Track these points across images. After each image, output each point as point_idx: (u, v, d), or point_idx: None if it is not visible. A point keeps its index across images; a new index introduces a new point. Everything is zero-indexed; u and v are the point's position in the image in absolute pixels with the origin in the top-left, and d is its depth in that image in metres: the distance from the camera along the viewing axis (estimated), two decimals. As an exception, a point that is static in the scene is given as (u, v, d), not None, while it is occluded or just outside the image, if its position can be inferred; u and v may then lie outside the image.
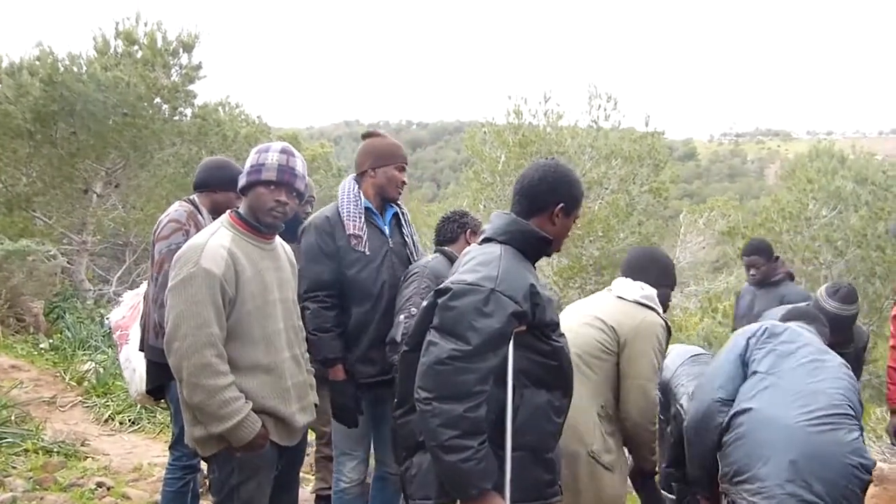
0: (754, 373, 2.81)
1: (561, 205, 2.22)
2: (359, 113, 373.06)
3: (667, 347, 3.00)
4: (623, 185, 14.14)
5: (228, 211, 2.63)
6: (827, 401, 2.60)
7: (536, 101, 14.62)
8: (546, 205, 2.22)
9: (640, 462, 2.97)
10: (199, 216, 3.26)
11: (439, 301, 2.06)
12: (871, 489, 3.29)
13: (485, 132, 15.02)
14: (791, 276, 4.87)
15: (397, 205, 3.34)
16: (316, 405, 2.82)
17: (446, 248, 3.06)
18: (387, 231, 3.26)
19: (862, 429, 2.60)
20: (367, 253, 3.14)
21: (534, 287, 2.10)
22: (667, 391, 3.61)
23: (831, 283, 3.31)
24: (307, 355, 2.82)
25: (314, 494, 4.05)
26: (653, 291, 2.98)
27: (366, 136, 3.34)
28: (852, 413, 2.58)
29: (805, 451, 2.51)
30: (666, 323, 2.94)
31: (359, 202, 3.18)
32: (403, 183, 3.27)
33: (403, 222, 3.37)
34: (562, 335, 2.26)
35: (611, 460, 2.79)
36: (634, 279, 3.02)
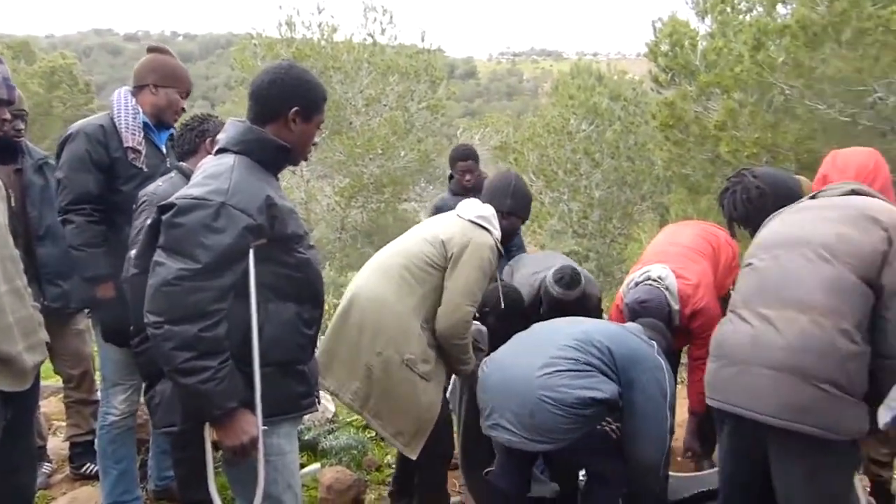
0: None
1: (296, 108, 2.09)
2: (111, 21, 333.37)
3: (495, 269, 3.06)
4: (401, 102, 14.26)
5: None
6: (553, 350, 2.75)
7: (309, 13, 14.14)
8: (280, 110, 2.08)
9: (454, 366, 3.06)
10: None
11: (164, 218, 1.90)
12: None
13: (255, 45, 14.22)
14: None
15: (173, 126, 3.28)
16: (47, 343, 2.52)
17: (183, 163, 2.84)
18: (164, 150, 3.19)
19: (607, 373, 2.72)
20: (146, 169, 3.05)
21: (270, 199, 1.99)
22: None
23: (557, 268, 3.31)
24: (30, 289, 2.49)
25: (68, 442, 3.74)
26: (490, 212, 3.06)
27: (152, 50, 3.23)
28: (588, 360, 2.70)
29: (505, 387, 2.77)
30: (497, 246, 3.02)
31: (138, 115, 3.06)
32: (183, 110, 3.22)
33: None
34: (310, 247, 2.20)
35: (427, 370, 2.90)
36: (489, 203, 3.11)
